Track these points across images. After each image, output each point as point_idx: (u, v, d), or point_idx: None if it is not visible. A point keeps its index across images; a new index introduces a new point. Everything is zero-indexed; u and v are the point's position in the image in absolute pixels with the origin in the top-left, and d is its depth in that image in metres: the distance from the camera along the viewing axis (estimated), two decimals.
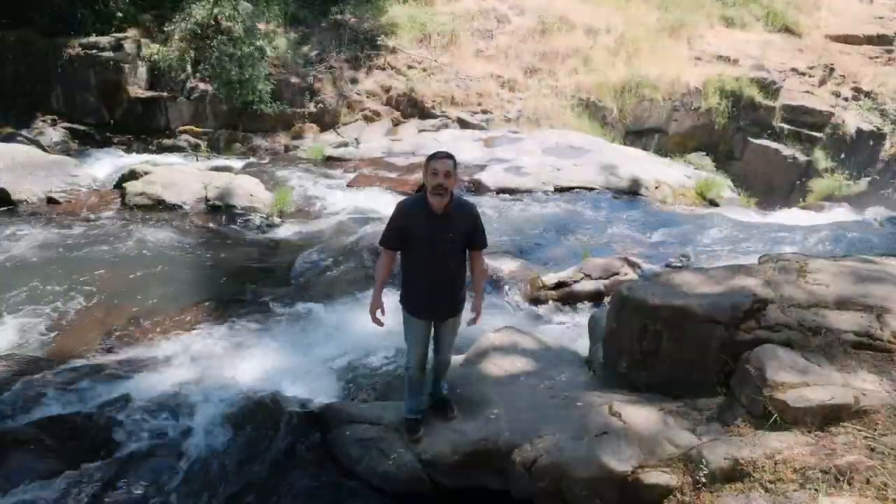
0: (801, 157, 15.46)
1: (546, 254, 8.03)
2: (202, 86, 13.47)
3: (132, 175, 9.51)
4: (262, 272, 7.39)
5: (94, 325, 6.08)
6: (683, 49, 16.99)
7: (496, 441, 4.11)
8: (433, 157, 3.89)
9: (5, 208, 8.70)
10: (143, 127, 13.45)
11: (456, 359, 5.02)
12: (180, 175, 9.65)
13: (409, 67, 14.90)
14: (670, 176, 11.12)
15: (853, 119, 16.26)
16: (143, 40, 13.70)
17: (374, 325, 4.19)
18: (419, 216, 3.94)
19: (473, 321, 4.24)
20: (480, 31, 16.25)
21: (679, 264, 7.45)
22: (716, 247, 8.27)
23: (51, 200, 8.99)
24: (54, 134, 12.62)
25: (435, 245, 3.95)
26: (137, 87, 13.54)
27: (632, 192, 10.24)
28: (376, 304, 4.15)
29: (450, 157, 3.90)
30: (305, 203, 9.50)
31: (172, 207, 8.92)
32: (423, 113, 14.26)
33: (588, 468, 3.47)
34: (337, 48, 14.99)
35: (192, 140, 13.24)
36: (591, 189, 10.22)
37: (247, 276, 7.23)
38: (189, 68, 13.58)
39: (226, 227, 8.63)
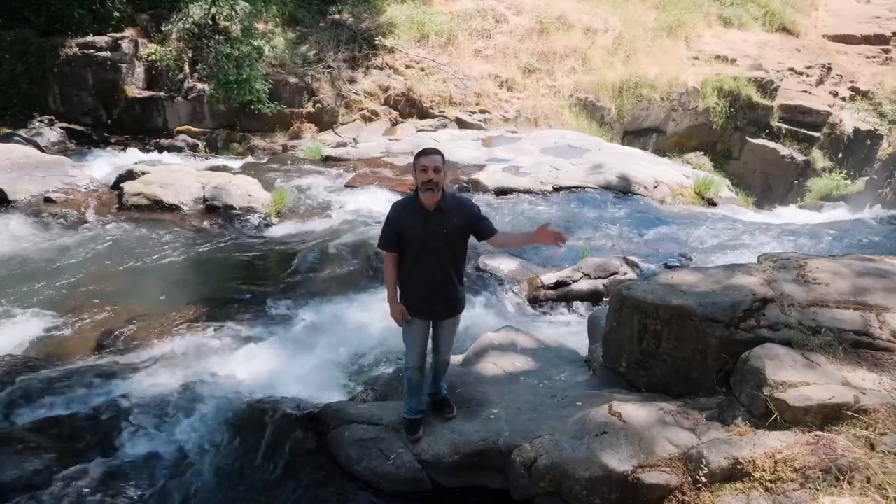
0: (799, 157, 15.49)
1: (544, 253, 8.02)
2: (200, 85, 13.46)
3: (130, 175, 9.49)
4: (261, 272, 7.38)
5: (91, 326, 6.06)
6: (681, 49, 17.01)
7: (496, 441, 4.11)
8: (421, 154, 3.91)
9: (2, 209, 8.67)
10: (140, 127, 13.46)
11: (455, 359, 5.01)
12: (178, 175, 9.63)
13: (408, 67, 14.89)
14: (669, 175, 11.11)
15: (851, 118, 16.30)
16: (140, 40, 13.70)
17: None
18: (412, 215, 3.95)
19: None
20: (478, 30, 16.25)
21: (678, 263, 7.45)
22: (714, 246, 8.27)
23: (48, 201, 8.96)
24: (52, 134, 12.59)
25: (430, 242, 3.95)
26: (135, 87, 13.53)
27: (630, 191, 10.24)
28: (394, 306, 4.10)
29: (437, 152, 3.92)
30: (304, 203, 9.48)
31: (170, 208, 8.90)
32: (422, 113, 14.26)
33: (588, 468, 3.46)
34: (335, 48, 14.98)
35: (190, 140, 13.24)
36: (590, 188, 10.21)
37: (245, 277, 7.22)
38: (187, 68, 13.57)
39: (224, 227, 8.61)
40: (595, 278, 6.99)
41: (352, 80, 14.43)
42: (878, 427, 3.09)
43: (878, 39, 19.27)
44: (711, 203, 10.61)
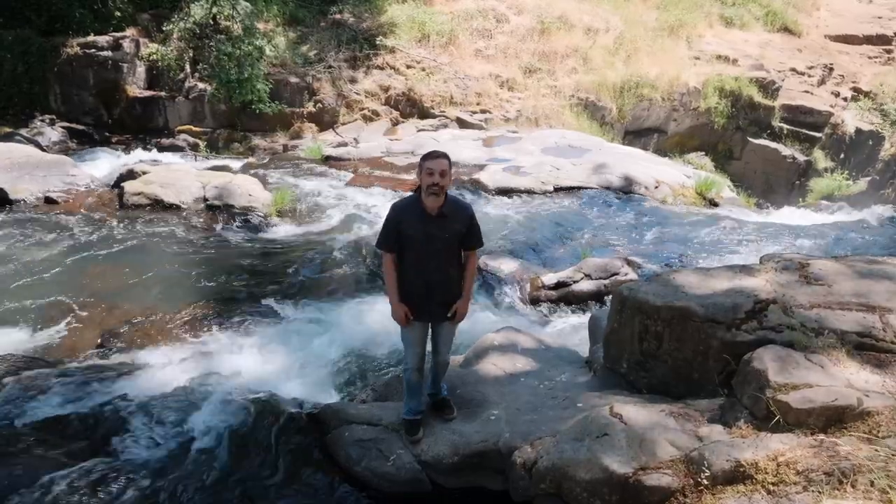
0: (801, 157, 15.47)
1: (545, 254, 8.01)
2: (201, 85, 13.45)
3: (130, 175, 9.49)
4: (261, 272, 7.36)
5: (92, 326, 6.06)
6: (682, 49, 16.98)
7: (496, 442, 4.09)
8: (428, 157, 3.87)
9: (3, 208, 8.67)
10: (141, 126, 13.46)
11: (455, 359, 5.00)
12: (178, 175, 9.62)
13: (408, 67, 14.88)
14: (670, 176, 11.09)
15: (852, 119, 16.27)
16: (141, 40, 13.71)
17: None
18: (413, 217, 3.92)
19: (452, 317, 4.13)
20: (479, 30, 16.23)
21: (679, 264, 7.43)
22: (716, 247, 8.25)
23: (49, 200, 8.95)
24: (52, 133, 12.60)
25: (429, 245, 3.93)
26: (136, 87, 13.54)
27: (631, 191, 10.22)
28: (397, 307, 4.03)
29: (445, 156, 3.87)
30: (304, 203, 9.47)
31: (171, 207, 8.89)
32: (422, 113, 14.25)
33: (589, 470, 3.44)
34: (336, 48, 14.97)
35: (191, 140, 13.24)
36: (591, 189, 10.20)
37: (245, 277, 7.20)
38: (188, 68, 13.58)
39: (224, 227, 8.60)
40: (596, 279, 6.97)
41: (352, 80, 14.42)
42: (882, 429, 3.07)
43: (880, 39, 19.23)
44: (713, 203, 10.59)
